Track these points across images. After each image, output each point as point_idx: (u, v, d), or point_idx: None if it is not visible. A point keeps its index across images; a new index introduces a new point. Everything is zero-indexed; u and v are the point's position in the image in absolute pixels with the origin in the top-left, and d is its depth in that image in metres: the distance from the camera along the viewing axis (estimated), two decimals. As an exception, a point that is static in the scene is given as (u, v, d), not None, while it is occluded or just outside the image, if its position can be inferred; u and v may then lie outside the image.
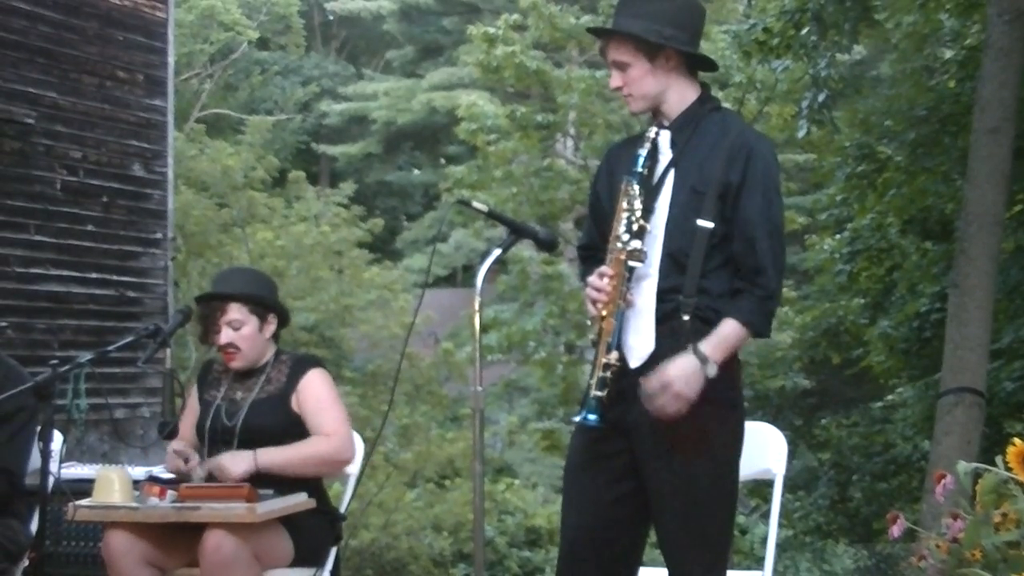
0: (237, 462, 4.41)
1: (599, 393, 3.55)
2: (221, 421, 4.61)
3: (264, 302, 4.69)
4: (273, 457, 4.45)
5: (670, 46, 3.67)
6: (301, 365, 4.70)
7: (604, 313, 3.60)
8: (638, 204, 3.61)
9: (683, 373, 3.49)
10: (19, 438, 4.59)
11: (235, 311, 4.62)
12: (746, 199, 3.60)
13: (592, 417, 3.55)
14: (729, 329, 3.55)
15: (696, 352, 3.50)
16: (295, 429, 4.57)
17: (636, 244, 3.58)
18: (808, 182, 20.48)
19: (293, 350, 4.95)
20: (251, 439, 4.52)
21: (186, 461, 4.50)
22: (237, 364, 4.66)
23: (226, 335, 4.61)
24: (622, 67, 3.70)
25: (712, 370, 3.50)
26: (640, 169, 3.67)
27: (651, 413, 3.50)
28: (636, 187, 3.64)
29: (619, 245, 3.60)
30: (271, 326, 4.71)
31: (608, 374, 3.55)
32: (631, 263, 3.58)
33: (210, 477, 4.46)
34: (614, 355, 3.56)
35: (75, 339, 9.93)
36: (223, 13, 26.03)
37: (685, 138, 3.70)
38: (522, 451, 22.37)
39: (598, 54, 3.95)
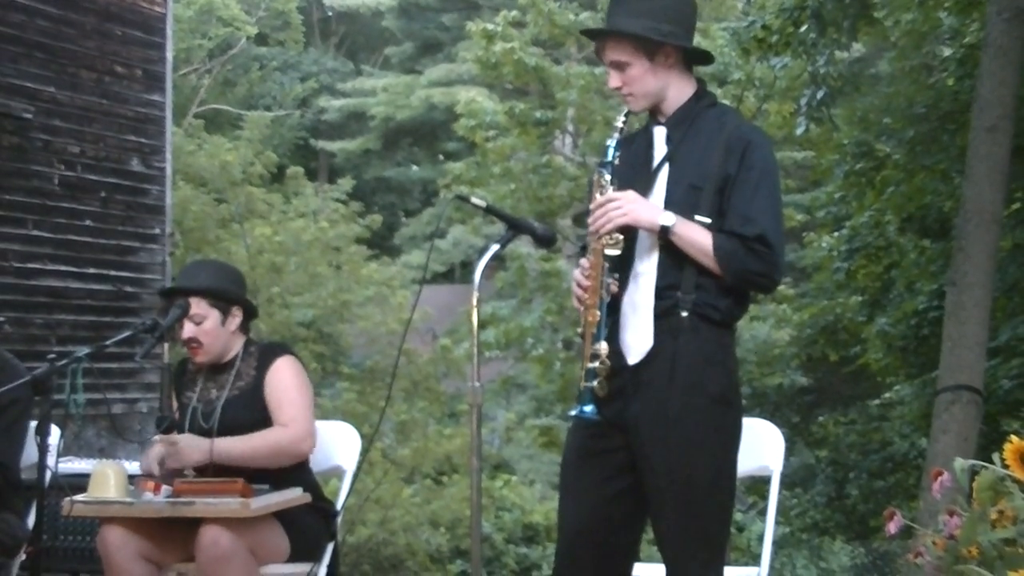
0: (192, 451, 4.37)
1: (591, 384, 3.56)
2: (198, 423, 4.58)
3: (224, 295, 4.63)
4: (229, 446, 4.42)
5: (669, 43, 3.67)
6: (268, 355, 4.65)
7: (588, 304, 3.61)
8: (611, 193, 3.63)
9: (644, 207, 3.59)
10: (13, 431, 4.58)
11: (195, 306, 4.57)
12: (745, 190, 3.60)
13: (588, 409, 3.56)
14: (703, 235, 3.56)
15: (675, 217, 3.55)
16: (271, 422, 4.54)
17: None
18: (807, 180, 20.47)
19: (260, 340, 4.89)
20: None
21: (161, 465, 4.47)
22: (202, 359, 4.62)
23: (188, 330, 4.57)
24: (621, 67, 3.68)
25: (667, 219, 3.54)
26: (610, 159, 3.70)
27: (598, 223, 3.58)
28: (607, 177, 3.67)
29: (596, 236, 3.62)
30: (235, 319, 4.65)
31: (597, 365, 3.56)
32: (608, 252, 3.60)
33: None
34: (603, 346, 3.57)
35: (73, 334, 9.93)
36: (222, 8, 26.02)
37: (681, 134, 3.70)
38: (520, 447, 22.37)
39: (594, 54, 3.92)
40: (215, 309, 4.60)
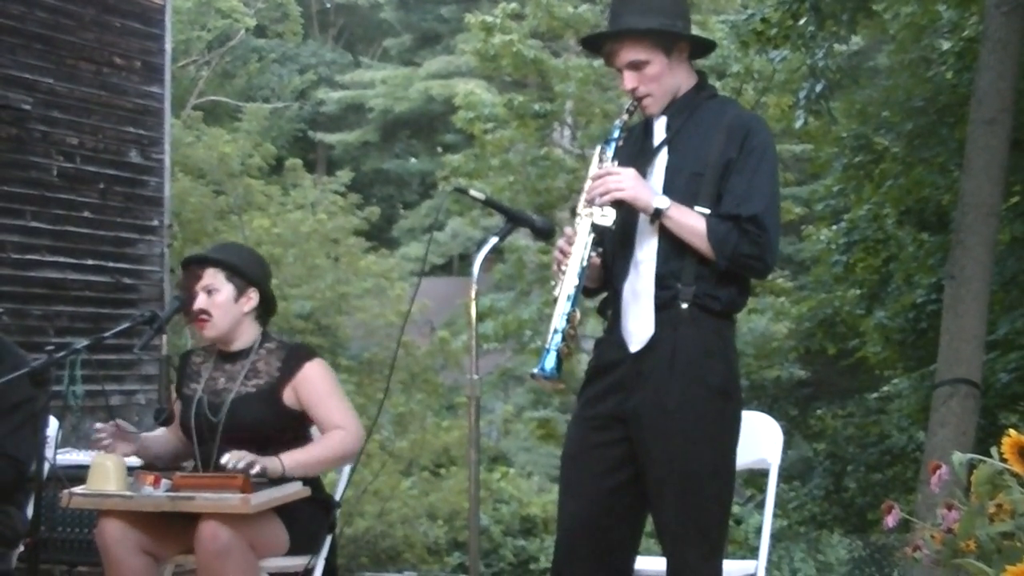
0: (270, 470, 4.29)
1: (557, 344, 3.55)
2: (205, 416, 4.50)
3: (241, 271, 4.58)
4: (299, 460, 4.36)
5: (686, 36, 3.72)
6: (296, 357, 4.56)
7: (566, 269, 3.62)
8: (612, 167, 3.66)
9: (643, 186, 3.61)
10: (28, 427, 4.56)
11: (210, 276, 4.52)
12: (744, 173, 3.62)
13: (549, 367, 3.53)
14: (697, 219, 3.58)
15: (669, 201, 3.58)
16: (282, 424, 4.48)
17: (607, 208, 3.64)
18: (805, 173, 20.48)
19: (281, 337, 4.83)
20: (235, 436, 4.42)
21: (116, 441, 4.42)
22: (209, 332, 4.55)
23: (200, 300, 4.51)
24: (639, 66, 3.69)
25: (661, 202, 3.57)
26: (615, 137, 3.74)
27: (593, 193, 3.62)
28: (610, 153, 3.71)
29: (589, 204, 3.65)
30: (250, 301, 4.59)
31: (566, 327, 3.56)
32: (596, 221, 3.62)
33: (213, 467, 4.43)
34: (576, 312, 3.59)
35: (71, 326, 9.93)
36: (220, 0, 25.97)
37: (680, 122, 3.73)
38: (517, 440, 22.37)
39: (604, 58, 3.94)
40: (230, 283, 4.54)
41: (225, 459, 4.24)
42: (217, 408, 4.51)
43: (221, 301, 4.53)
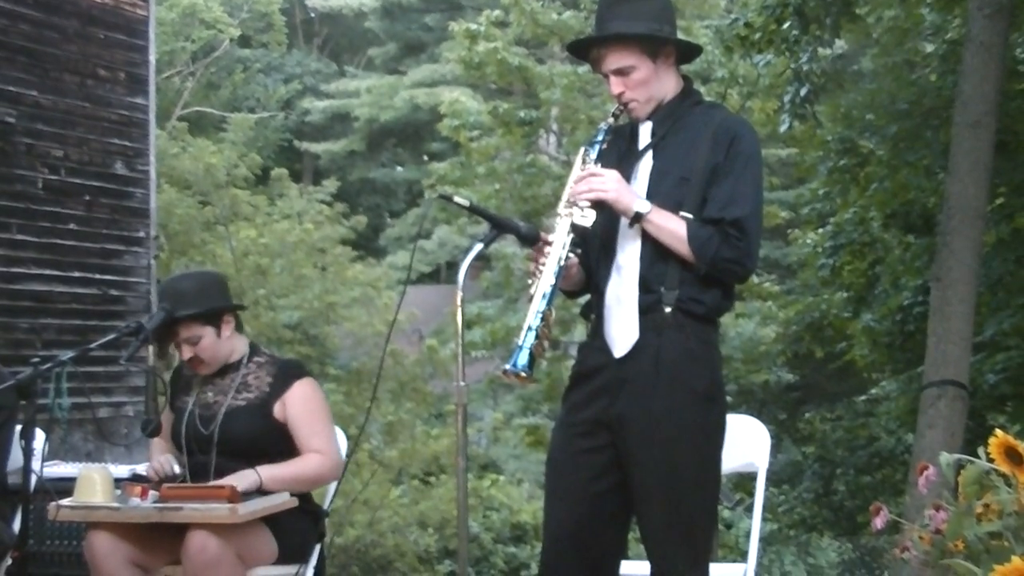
0: (243, 483, 4.30)
1: (531, 341, 3.54)
2: (196, 428, 4.53)
3: (211, 312, 4.57)
4: (275, 475, 4.39)
5: (673, 41, 3.72)
6: (288, 373, 4.60)
7: (542, 267, 3.62)
8: (597, 168, 3.66)
9: (626, 189, 3.62)
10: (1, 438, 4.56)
11: (186, 330, 4.52)
12: (729, 177, 3.62)
13: (521, 363, 3.51)
14: (678, 223, 3.58)
15: (650, 205, 3.58)
16: (275, 437, 4.50)
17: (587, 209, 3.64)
18: (791, 177, 20.50)
19: (271, 351, 4.83)
20: (229, 448, 4.46)
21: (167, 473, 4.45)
22: (207, 371, 4.60)
23: (187, 351, 4.55)
24: (625, 72, 3.70)
25: (642, 206, 3.58)
26: (599, 140, 3.74)
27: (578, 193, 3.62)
28: (593, 156, 3.72)
29: (570, 204, 3.65)
30: (229, 325, 4.62)
31: (540, 324, 3.55)
32: (576, 221, 3.62)
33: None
34: (552, 311, 3.59)
35: (58, 338, 9.90)
36: (205, 11, 25.97)
37: (666, 128, 3.73)
38: (507, 447, 22.37)
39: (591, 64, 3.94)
40: (208, 326, 4.55)
41: None
42: (208, 421, 4.53)
43: (207, 344, 4.57)
